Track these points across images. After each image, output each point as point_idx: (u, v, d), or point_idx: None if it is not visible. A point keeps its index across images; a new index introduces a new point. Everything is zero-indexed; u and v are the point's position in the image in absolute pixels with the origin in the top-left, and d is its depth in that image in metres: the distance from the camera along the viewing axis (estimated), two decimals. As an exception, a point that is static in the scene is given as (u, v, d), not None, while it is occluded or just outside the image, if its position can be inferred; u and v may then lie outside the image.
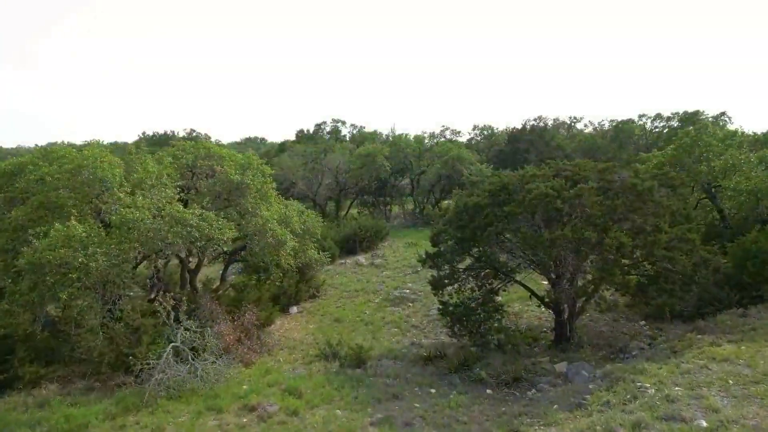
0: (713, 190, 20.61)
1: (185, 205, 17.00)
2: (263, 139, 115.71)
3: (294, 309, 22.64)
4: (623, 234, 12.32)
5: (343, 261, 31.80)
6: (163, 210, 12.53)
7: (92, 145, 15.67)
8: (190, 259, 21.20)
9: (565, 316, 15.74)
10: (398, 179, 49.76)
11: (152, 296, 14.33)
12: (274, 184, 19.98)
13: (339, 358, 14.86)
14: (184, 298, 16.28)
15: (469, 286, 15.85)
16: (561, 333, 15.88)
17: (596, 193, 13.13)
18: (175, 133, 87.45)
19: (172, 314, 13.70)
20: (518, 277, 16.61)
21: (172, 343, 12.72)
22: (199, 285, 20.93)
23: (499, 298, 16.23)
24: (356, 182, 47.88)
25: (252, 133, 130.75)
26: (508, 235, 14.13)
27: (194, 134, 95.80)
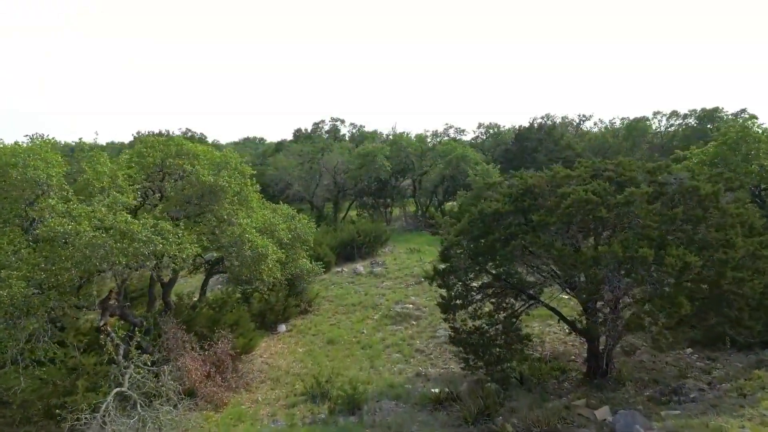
0: (762, 192, 17.98)
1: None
2: (262, 139, 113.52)
3: (282, 327, 20.05)
4: (686, 251, 9.68)
5: (339, 269, 29.20)
6: (105, 220, 9.91)
7: (36, 143, 13.00)
8: (162, 272, 18.67)
9: (601, 346, 13.12)
10: (399, 180, 47.17)
11: (101, 324, 11.72)
12: (258, 186, 17.39)
13: (329, 399, 12.23)
14: (145, 322, 13.74)
15: (486, 309, 13.21)
16: (596, 365, 13.25)
17: (649, 198, 10.50)
18: (171, 133, 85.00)
19: (123, 348, 11.07)
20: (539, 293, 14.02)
21: (117, 388, 10.09)
22: (175, 299, 18.40)
23: (517, 321, 13.57)
24: (355, 183, 45.30)
25: (251, 133, 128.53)
26: (533, 250, 11.48)
27: (189, 134, 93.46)
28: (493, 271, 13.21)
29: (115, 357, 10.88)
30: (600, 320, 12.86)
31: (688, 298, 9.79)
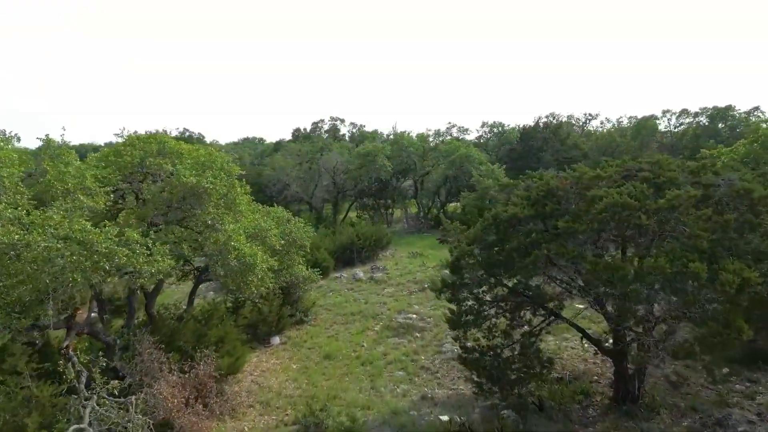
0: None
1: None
2: (261, 139, 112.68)
3: (276, 339, 18.58)
4: (742, 265, 8.21)
5: (338, 275, 27.76)
6: (59, 228, 8.42)
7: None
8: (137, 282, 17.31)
9: (631, 367, 11.66)
10: (400, 180, 45.76)
11: (64, 345, 10.27)
12: (248, 188, 15.94)
13: (324, 430, 10.76)
14: (119, 340, 12.29)
15: (502, 327, 11.74)
16: (625, 389, 11.79)
17: (695, 203, 9.03)
18: (167, 133, 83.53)
19: (84, 375, 9.61)
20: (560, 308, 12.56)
21: (75, 425, 8.62)
22: (161, 309, 16.97)
23: (536, 340, 12.09)
24: (355, 184, 43.90)
25: (251, 134, 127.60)
26: (558, 261, 10.01)
27: (187, 134, 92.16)
28: (509, 284, 11.75)
29: (77, 386, 9.42)
30: (630, 339, 11.42)
31: (744, 319, 8.32)
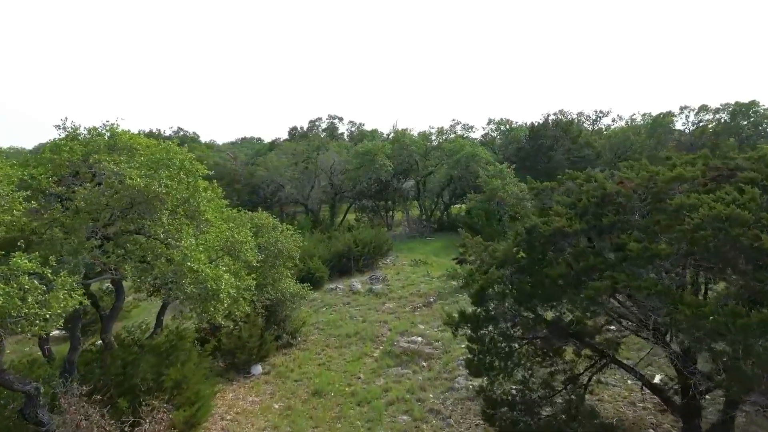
0: None
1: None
2: (260, 139, 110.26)
3: (257, 369, 15.84)
4: None
5: (333, 286, 25.00)
6: None
7: None
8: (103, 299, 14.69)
9: (704, 424, 8.92)
10: (401, 181, 43.00)
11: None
12: (221, 190, 13.25)
13: None
14: (42, 389, 9.50)
15: (539, 375, 8.97)
16: (699, 454, 9.02)
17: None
18: (161, 132, 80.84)
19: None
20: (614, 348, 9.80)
21: None
22: (122, 334, 14.29)
23: (585, 391, 9.35)
24: (354, 184, 41.17)
25: (250, 134, 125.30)
26: (633, 294, 7.24)
27: (181, 133, 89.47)
28: (549, 317, 8.99)
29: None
30: (701, 390, 8.68)
31: None
